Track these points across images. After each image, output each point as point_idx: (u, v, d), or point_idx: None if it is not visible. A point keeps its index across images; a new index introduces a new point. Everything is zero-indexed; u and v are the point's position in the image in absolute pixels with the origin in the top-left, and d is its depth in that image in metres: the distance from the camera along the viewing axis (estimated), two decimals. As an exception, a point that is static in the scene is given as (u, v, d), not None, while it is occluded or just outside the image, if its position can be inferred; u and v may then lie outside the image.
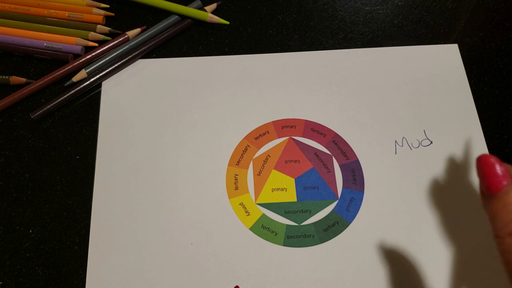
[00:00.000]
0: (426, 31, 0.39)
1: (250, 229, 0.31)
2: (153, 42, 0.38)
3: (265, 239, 0.31)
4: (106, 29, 0.39)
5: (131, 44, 0.38)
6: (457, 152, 0.34)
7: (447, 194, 0.32)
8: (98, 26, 0.38)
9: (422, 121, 0.35)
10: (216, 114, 0.35)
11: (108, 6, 0.40)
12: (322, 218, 0.31)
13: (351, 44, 0.39)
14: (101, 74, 0.36)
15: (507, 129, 0.35)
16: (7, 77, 0.36)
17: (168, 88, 0.36)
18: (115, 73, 0.37)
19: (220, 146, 0.34)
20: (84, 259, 0.30)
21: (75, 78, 0.36)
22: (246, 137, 0.34)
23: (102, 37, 0.38)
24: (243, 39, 0.39)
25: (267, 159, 0.34)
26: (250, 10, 0.41)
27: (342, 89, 0.36)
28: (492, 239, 0.22)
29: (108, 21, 0.40)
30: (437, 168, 0.33)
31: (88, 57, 0.37)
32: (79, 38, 0.37)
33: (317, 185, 0.33)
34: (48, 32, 0.38)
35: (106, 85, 0.36)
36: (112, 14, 0.40)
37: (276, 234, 0.31)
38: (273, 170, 0.33)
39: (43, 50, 0.37)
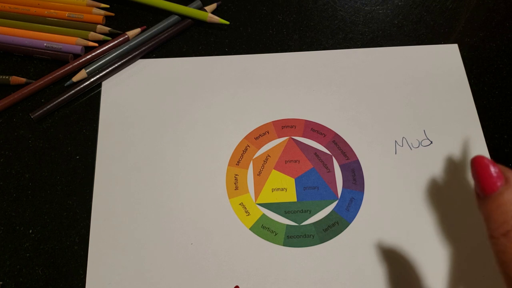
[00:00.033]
0: (426, 31, 0.39)
1: (250, 229, 0.31)
2: (153, 42, 0.38)
3: (265, 239, 0.31)
4: (106, 29, 0.39)
5: (131, 44, 0.38)
6: (457, 152, 0.34)
7: (447, 194, 0.32)
8: (98, 26, 0.38)
9: (422, 121, 0.35)
10: (216, 114, 0.35)
11: (108, 6, 0.40)
12: (322, 218, 0.31)
13: (351, 44, 0.39)
14: (101, 74, 0.36)
15: (507, 129, 0.35)
16: (7, 77, 0.36)
17: (168, 88, 0.36)
18: (115, 73, 0.37)
19: (220, 146, 0.34)
20: (84, 259, 0.30)
21: (75, 78, 0.36)
22: (246, 137, 0.34)
23: (102, 37, 0.38)
24: (243, 39, 0.39)
25: (267, 159, 0.34)
26: (250, 10, 0.41)
27: (342, 89, 0.36)
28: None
29: (108, 21, 0.40)
30: (437, 168, 0.33)
31: (88, 57, 0.37)
32: (79, 38, 0.37)
33: (317, 185, 0.33)
34: (48, 32, 0.38)
35: (106, 85, 0.36)
36: (112, 14, 0.40)
37: (276, 234, 0.31)
38: (273, 170, 0.33)
39: (43, 50, 0.37)
